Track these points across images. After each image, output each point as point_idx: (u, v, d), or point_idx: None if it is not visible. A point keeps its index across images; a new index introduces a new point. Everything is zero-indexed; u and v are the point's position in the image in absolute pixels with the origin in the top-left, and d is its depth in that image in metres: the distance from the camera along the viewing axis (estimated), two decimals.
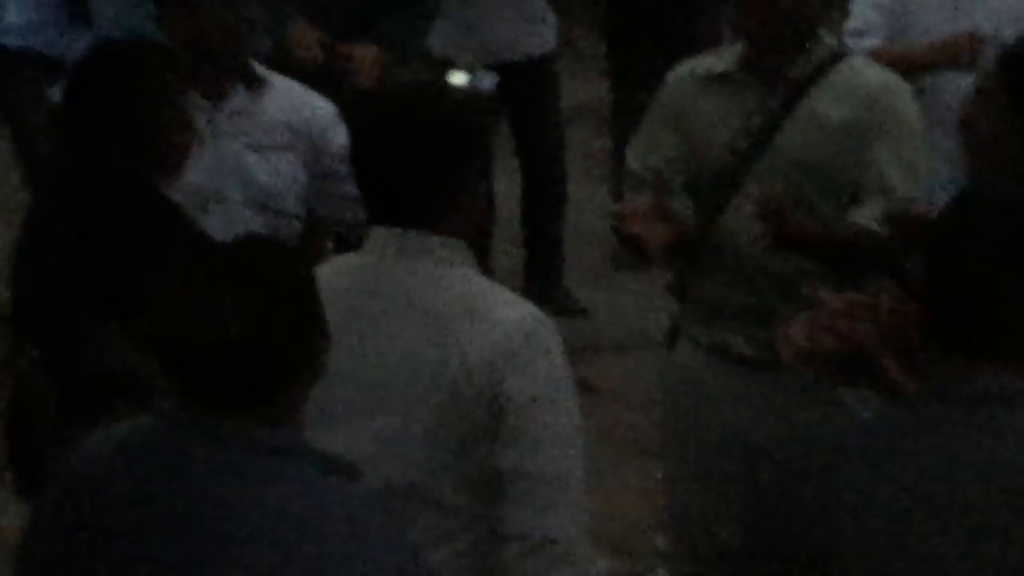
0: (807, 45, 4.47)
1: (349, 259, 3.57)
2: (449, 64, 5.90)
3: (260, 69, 4.84)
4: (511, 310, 3.30)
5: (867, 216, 4.32)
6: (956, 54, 5.56)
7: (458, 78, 5.03)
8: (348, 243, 6.75)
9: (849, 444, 3.00)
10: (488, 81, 5.06)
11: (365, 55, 6.41)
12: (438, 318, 3.26)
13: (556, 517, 3.29)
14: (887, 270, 4.30)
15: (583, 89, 8.53)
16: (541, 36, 7.56)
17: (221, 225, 4.28)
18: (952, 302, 2.89)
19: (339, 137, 4.64)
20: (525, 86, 7.44)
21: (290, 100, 4.85)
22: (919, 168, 4.46)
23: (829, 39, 4.62)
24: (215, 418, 2.78)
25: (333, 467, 2.84)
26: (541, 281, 7.49)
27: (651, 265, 4.79)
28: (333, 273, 3.40)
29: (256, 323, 2.77)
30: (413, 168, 3.32)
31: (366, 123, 3.54)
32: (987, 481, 2.84)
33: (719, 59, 4.64)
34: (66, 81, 4.26)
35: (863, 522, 2.90)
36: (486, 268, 7.49)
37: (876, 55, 5.21)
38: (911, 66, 5.49)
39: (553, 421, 3.26)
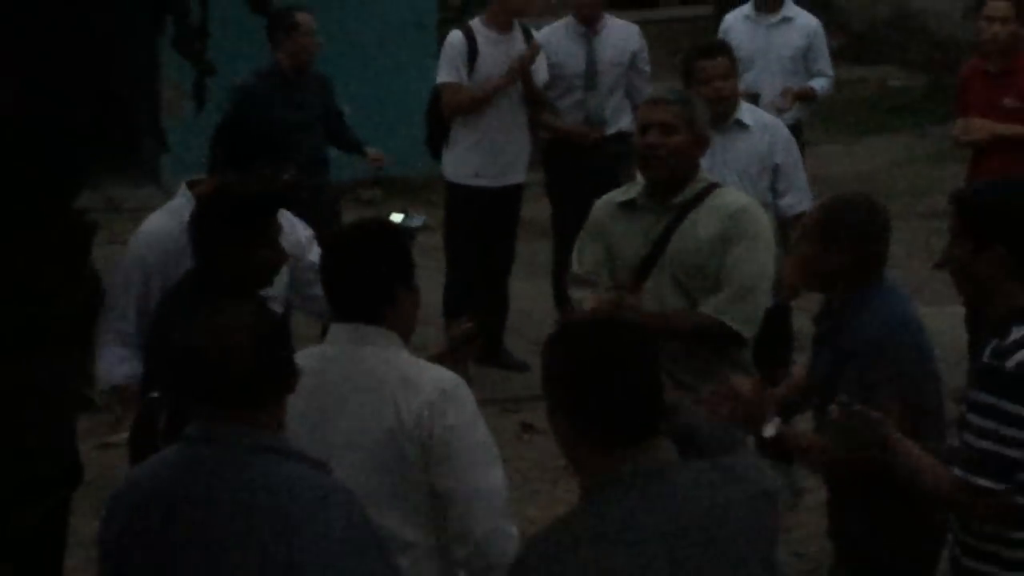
0: (689, 181, 4.57)
1: (316, 349, 3.61)
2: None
3: None
4: (429, 377, 3.36)
5: (712, 305, 4.43)
6: None
7: (395, 217, 5.22)
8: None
9: None
10: (416, 220, 5.23)
11: None
12: (379, 388, 3.33)
13: (476, 524, 3.30)
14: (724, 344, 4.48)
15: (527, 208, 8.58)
16: (523, 168, 7.68)
17: None
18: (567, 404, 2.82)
19: (312, 255, 4.68)
20: (512, 203, 7.62)
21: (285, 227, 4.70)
22: (767, 267, 4.51)
23: (704, 175, 4.70)
24: (223, 427, 2.87)
25: (307, 460, 2.93)
26: (490, 345, 7.30)
27: None
28: (308, 358, 3.41)
29: (259, 354, 2.88)
30: (359, 281, 3.44)
31: (329, 249, 3.66)
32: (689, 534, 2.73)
33: (629, 191, 4.72)
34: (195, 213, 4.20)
35: None
36: (501, 347, 7.62)
37: None
38: None
39: (466, 460, 3.29)
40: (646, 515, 2.75)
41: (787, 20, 8.05)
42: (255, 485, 2.83)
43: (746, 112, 6.06)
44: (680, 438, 3.00)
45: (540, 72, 7.57)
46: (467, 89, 7.41)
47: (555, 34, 7.86)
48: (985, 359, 3.42)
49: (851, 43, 16.21)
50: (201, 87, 3.02)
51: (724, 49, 6.22)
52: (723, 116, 5.85)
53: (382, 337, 3.41)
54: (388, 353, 3.40)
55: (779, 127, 6.20)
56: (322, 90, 7.41)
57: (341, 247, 3.61)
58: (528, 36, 7.60)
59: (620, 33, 7.88)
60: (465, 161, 7.52)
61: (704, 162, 5.04)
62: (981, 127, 6.88)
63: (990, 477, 3.37)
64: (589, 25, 7.77)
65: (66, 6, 2.77)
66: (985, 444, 3.37)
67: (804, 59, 7.92)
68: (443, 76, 7.48)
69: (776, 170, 5.98)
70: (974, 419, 3.41)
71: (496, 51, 7.43)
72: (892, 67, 15.20)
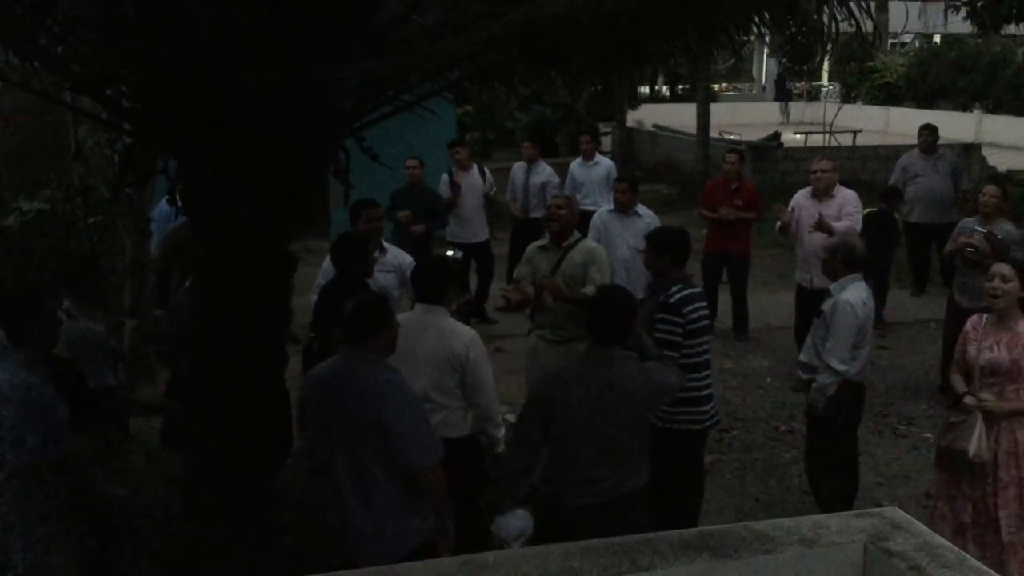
0: (570, 235, 4.50)
1: (412, 312, 3.50)
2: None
3: (384, 244, 4.66)
4: (464, 333, 3.26)
5: (586, 291, 4.30)
6: None
7: (448, 252, 5.19)
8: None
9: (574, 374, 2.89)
10: (457, 253, 5.22)
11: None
12: (439, 336, 3.20)
13: (483, 397, 3.23)
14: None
15: (499, 247, 8.49)
16: (486, 233, 7.55)
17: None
18: (597, 325, 2.83)
19: (411, 269, 4.47)
20: (483, 251, 7.47)
21: (394, 255, 4.64)
22: (605, 274, 4.43)
23: (577, 234, 4.59)
24: (357, 350, 2.76)
25: (390, 368, 2.82)
26: (477, 311, 7.35)
27: (520, 309, 4.61)
28: (407, 318, 3.35)
29: (372, 318, 2.80)
30: (429, 287, 3.34)
31: (420, 270, 3.53)
32: (612, 389, 2.78)
33: (543, 240, 4.61)
34: (334, 243, 4.10)
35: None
36: (483, 311, 7.26)
37: None
38: None
39: (480, 369, 3.20)
40: (583, 375, 2.77)
41: (597, 163, 7.98)
42: (365, 378, 2.76)
43: (640, 207, 5.82)
44: (638, 353, 3.06)
45: (489, 186, 7.61)
46: (450, 200, 7.43)
47: (518, 167, 7.88)
48: (660, 299, 3.53)
49: (645, 172, 16.35)
50: (346, 194, 3.04)
51: (634, 179, 6.02)
52: (628, 208, 5.67)
53: (441, 311, 3.33)
54: (442, 317, 3.32)
55: (654, 217, 5.86)
56: (430, 196, 7.32)
57: (424, 272, 3.52)
58: (482, 172, 7.57)
59: (543, 172, 7.79)
60: (453, 229, 7.45)
61: (616, 230, 5.01)
62: (734, 212, 6.96)
63: (670, 350, 3.43)
64: (529, 164, 7.77)
65: (291, 162, 2.73)
66: (666, 337, 3.47)
67: (606, 182, 7.79)
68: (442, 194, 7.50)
69: None
70: (658, 326, 3.48)
71: (465, 181, 7.45)
72: (663, 184, 15.18)
